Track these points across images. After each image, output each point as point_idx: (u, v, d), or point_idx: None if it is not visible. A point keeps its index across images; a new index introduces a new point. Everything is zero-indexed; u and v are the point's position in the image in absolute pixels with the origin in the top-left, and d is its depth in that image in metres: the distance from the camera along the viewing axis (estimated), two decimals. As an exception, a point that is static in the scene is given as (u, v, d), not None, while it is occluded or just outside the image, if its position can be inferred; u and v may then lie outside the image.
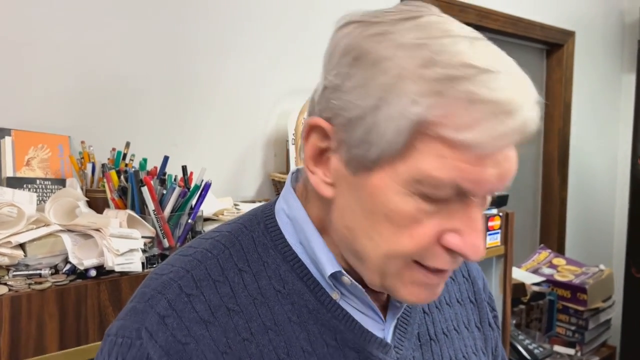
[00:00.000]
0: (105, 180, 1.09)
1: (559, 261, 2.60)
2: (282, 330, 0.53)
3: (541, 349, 2.00)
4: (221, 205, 1.34)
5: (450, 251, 0.49)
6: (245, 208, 1.34)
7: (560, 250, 2.85)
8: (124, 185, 1.08)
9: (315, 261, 0.56)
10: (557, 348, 2.35)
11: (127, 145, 1.19)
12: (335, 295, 0.56)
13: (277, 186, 1.59)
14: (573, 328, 2.41)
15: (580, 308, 2.37)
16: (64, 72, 1.22)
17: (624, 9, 3.10)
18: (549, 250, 2.69)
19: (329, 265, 0.55)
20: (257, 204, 1.47)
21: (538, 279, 2.43)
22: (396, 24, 0.48)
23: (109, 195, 1.09)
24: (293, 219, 0.58)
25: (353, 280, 0.55)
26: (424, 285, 0.52)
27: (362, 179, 0.49)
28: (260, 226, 0.58)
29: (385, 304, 0.61)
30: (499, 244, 1.68)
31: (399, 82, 0.45)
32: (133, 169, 1.07)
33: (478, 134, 0.43)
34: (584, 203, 3.02)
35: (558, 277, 2.47)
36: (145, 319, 0.51)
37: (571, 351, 2.36)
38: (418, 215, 0.47)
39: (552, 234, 2.86)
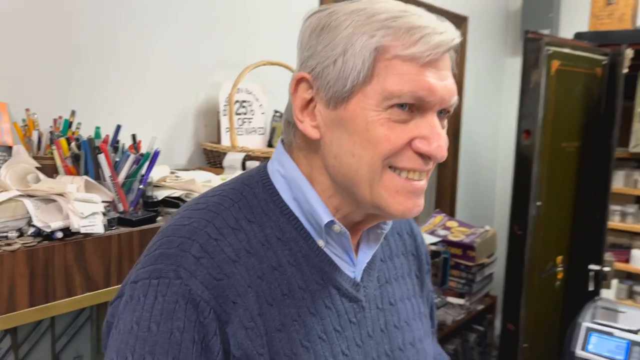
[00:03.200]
0: (54, 147, 1.12)
1: (451, 223, 2.92)
2: (284, 270, 0.65)
3: (439, 299, 2.28)
4: (160, 172, 1.41)
5: (419, 155, 0.63)
6: (183, 175, 1.41)
7: (452, 213, 3.19)
8: (75, 153, 1.12)
9: (311, 212, 0.68)
10: (450, 299, 2.67)
11: (73, 113, 1.22)
12: (321, 243, 0.68)
13: (209, 155, 1.67)
14: (463, 281, 2.74)
15: (469, 264, 2.70)
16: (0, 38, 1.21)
17: (509, -2, 3.45)
18: (443, 214, 3.00)
19: (325, 215, 0.67)
20: (192, 172, 1.54)
21: (435, 239, 2.73)
22: (340, 5, 0.65)
23: (58, 162, 1.13)
24: (289, 179, 0.69)
25: (342, 227, 0.68)
26: (406, 194, 0.64)
27: (342, 110, 0.63)
28: (259, 184, 0.69)
29: (356, 250, 0.74)
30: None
31: (357, 30, 0.61)
32: (87, 137, 1.11)
33: (420, 47, 0.59)
34: (472, 172, 3.38)
35: (451, 238, 2.78)
36: (181, 260, 0.60)
37: (461, 301, 2.70)
38: (391, 124, 0.61)
39: (446, 200, 3.18)
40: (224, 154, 1.59)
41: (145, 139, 1.28)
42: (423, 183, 0.65)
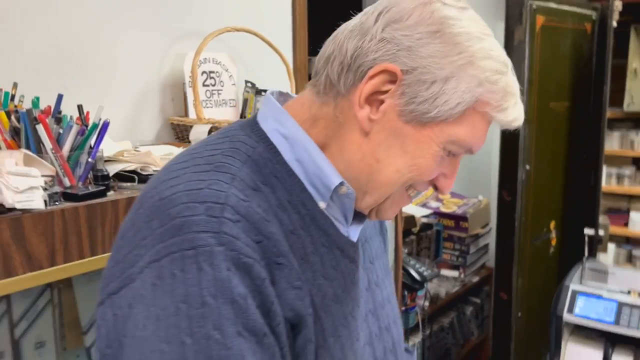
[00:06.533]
0: (-7, 122, 1.05)
1: (443, 195, 2.85)
2: (299, 234, 0.62)
3: (430, 271, 2.21)
4: (119, 147, 1.34)
5: (431, 183, 0.67)
6: (145, 150, 1.34)
7: (445, 186, 3.12)
8: (15, 126, 1.05)
9: (317, 174, 0.64)
10: (444, 272, 2.61)
11: (15, 85, 1.15)
12: (322, 205, 0.65)
13: (176, 130, 1.60)
14: (457, 253, 2.68)
15: (463, 235, 2.63)
16: None
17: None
18: (435, 186, 2.93)
19: (335, 176, 0.64)
20: (155, 146, 1.47)
21: (426, 211, 2.66)
22: (462, 12, 0.62)
23: (-1, 137, 1.06)
24: (290, 138, 0.65)
25: (350, 188, 0.65)
26: (400, 206, 0.70)
27: (412, 129, 0.62)
28: (260, 144, 0.64)
29: None
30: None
31: (469, 66, 0.60)
32: (25, 109, 1.04)
33: (506, 116, 0.63)
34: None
35: (443, 209, 2.71)
36: (217, 226, 0.53)
37: (455, 273, 2.64)
38: (439, 160, 0.63)
39: (438, 172, 3.10)
40: (191, 127, 1.52)
41: (106, 114, 1.20)
42: None
